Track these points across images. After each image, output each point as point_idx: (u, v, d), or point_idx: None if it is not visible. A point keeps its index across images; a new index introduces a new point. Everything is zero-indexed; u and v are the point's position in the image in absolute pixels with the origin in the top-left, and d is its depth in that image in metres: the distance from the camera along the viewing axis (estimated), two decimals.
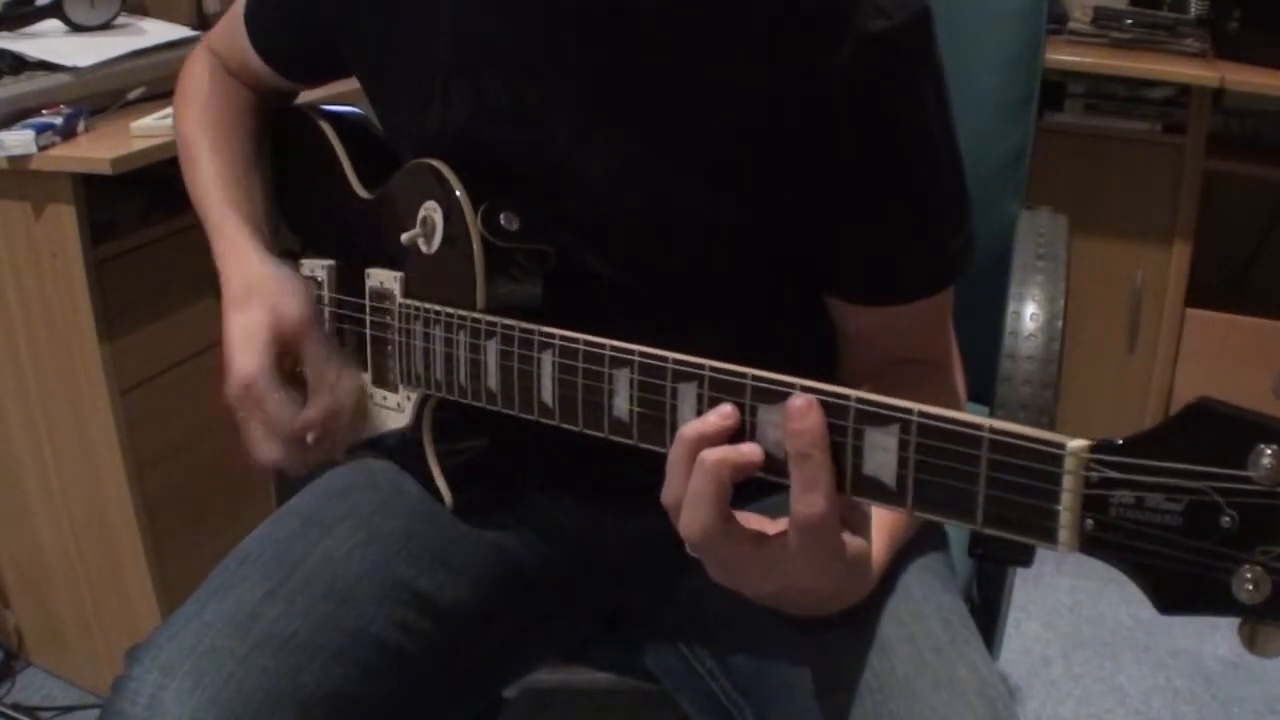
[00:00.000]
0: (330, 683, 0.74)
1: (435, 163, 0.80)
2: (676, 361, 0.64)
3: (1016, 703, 1.79)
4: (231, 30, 0.99)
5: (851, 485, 0.58)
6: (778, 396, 0.60)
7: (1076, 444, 0.49)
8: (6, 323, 1.52)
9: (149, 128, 1.43)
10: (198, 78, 1.01)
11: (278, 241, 0.99)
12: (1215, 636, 1.94)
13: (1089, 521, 0.49)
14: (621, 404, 0.67)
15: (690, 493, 0.61)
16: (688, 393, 0.64)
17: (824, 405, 0.58)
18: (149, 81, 1.58)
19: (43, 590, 1.71)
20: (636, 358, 0.66)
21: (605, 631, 0.95)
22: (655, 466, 0.63)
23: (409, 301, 0.83)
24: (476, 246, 0.77)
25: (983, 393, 1.08)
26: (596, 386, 0.69)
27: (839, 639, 0.73)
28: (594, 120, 0.77)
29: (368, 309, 0.87)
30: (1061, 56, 2.10)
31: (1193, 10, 2.22)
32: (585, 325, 0.70)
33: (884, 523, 0.71)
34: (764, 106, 0.73)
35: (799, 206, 0.77)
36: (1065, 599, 2.07)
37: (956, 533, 0.93)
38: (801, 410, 0.58)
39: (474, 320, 0.76)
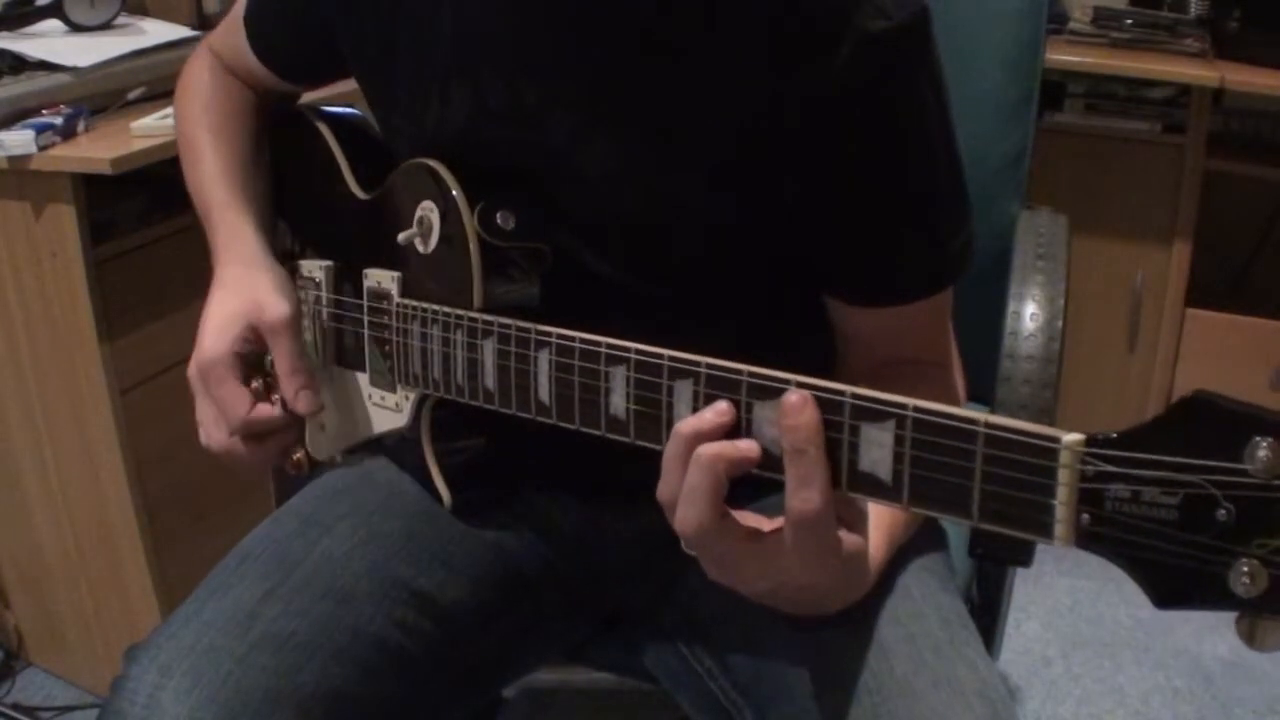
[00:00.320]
0: (329, 682, 0.74)
1: (432, 163, 0.80)
2: (672, 359, 0.64)
3: (1016, 703, 1.79)
4: (231, 31, 0.99)
5: (847, 481, 0.58)
6: (773, 393, 0.60)
7: (1071, 438, 0.49)
8: (6, 323, 1.52)
9: (149, 128, 1.43)
10: (198, 77, 1.01)
11: (276, 241, 0.99)
12: (1215, 636, 1.93)
13: (1085, 516, 0.49)
14: (618, 401, 0.68)
15: (686, 488, 0.61)
16: (684, 390, 0.64)
17: (819, 401, 0.58)
18: (149, 81, 1.58)
19: (43, 590, 1.72)
20: (633, 355, 0.66)
21: (604, 631, 0.95)
22: (654, 466, 0.63)
23: (406, 301, 0.83)
24: (473, 246, 0.77)
25: (983, 393, 1.08)
26: (593, 384, 0.69)
27: (838, 639, 0.73)
28: (594, 120, 0.77)
29: (365, 309, 0.87)
30: (1061, 56, 2.10)
31: (1193, 10, 2.22)
32: (583, 325, 0.70)
33: (882, 521, 0.71)
34: (764, 106, 0.73)
35: (799, 206, 0.77)
36: (1065, 599, 2.07)
37: (956, 532, 0.93)
38: (796, 406, 0.58)
39: (471, 319, 0.77)
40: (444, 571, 0.83)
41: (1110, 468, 0.48)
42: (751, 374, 0.61)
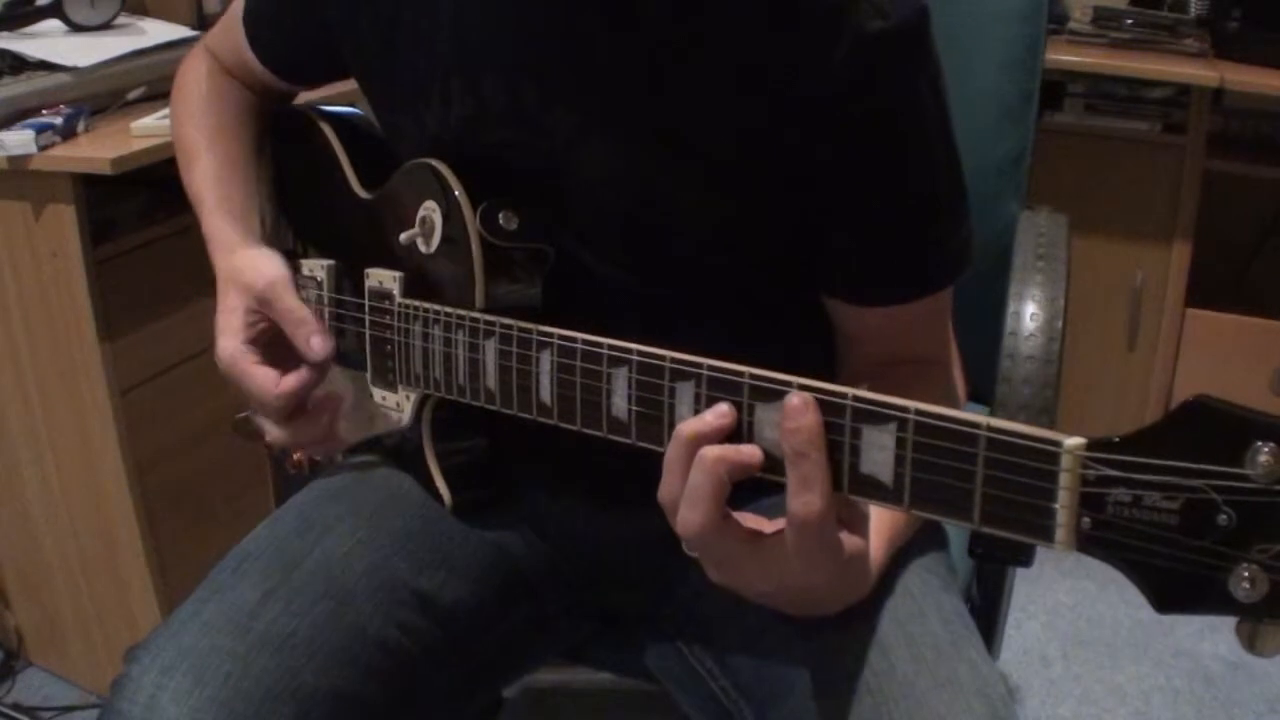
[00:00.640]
0: (330, 682, 0.74)
1: (434, 163, 0.80)
2: (674, 360, 0.64)
3: (1016, 703, 1.79)
4: (228, 31, 0.99)
5: (849, 484, 0.58)
6: (775, 395, 0.60)
7: (1073, 442, 0.49)
8: (6, 323, 1.52)
9: (149, 128, 1.43)
10: (195, 78, 1.01)
11: (278, 241, 0.99)
12: (1215, 636, 1.94)
13: (1086, 520, 0.49)
14: (620, 403, 0.68)
15: (688, 490, 0.61)
16: (685, 392, 0.64)
17: (821, 404, 0.58)
18: (149, 81, 1.58)
19: (43, 590, 1.72)
20: (634, 357, 0.66)
21: (605, 631, 0.95)
22: (655, 467, 0.63)
23: (408, 301, 0.83)
24: (475, 246, 0.77)
25: (983, 393, 1.08)
26: (595, 386, 0.69)
27: (838, 639, 0.73)
28: (594, 121, 0.77)
29: (367, 309, 0.87)
30: (1061, 56, 2.10)
31: (1193, 10, 2.22)
32: (584, 325, 0.70)
33: (883, 523, 0.71)
34: (763, 107, 0.73)
35: (798, 207, 0.77)
36: (1065, 599, 2.07)
37: (956, 533, 0.93)
38: (798, 409, 0.58)
39: (473, 320, 0.76)
40: (444, 572, 0.83)
41: (1111, 472, 0.48)
42: (753, 376, 0.61)
